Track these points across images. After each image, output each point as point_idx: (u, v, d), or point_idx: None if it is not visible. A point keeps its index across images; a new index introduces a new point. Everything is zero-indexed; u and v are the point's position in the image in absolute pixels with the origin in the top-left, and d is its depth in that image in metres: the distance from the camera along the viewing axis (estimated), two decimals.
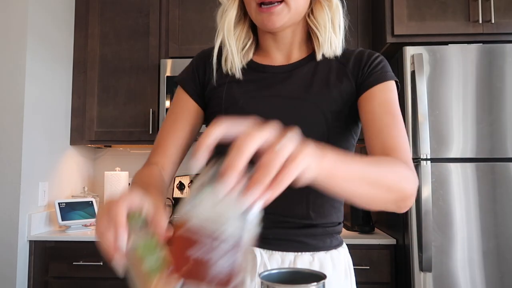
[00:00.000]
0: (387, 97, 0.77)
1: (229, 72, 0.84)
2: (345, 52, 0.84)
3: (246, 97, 0.81)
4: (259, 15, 0.77)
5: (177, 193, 2.48)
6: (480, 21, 1.88)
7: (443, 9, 1.92)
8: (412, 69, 1.72)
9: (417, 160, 1.69)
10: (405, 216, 1.75)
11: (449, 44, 1.76)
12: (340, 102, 0.79)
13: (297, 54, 0.85)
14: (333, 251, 0.80)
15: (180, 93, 0.88)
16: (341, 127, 0.80)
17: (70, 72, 2.30)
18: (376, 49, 2.16)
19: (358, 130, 0.85)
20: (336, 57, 0.83)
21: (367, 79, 0.79)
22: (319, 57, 0.82)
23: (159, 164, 0.82)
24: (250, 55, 0.86)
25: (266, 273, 0.56)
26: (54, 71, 2.14)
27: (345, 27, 0.85)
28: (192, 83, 0.87)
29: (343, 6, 0.84)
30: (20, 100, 1.88)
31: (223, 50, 0.84)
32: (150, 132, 2.22)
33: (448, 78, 1.72)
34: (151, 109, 2.23)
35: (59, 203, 2.03)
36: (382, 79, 0.79)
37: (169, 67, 2.17)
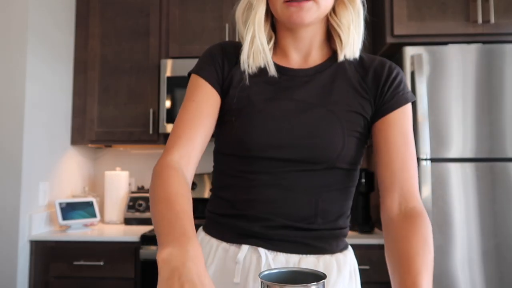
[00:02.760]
0: (406, 124, 0.78)
1: (249, 71, 0.80)
2: (364, 59, 0.82)
3: (262, 98, 0.78)
4: (287, 10, 0.74)
5: None
6: (480, 22, 1.88)
7: (443, 9, 1.93)
8: (412, 70, 1.72)
9: (417, 160, 1.69)
10: None
11: (449, 45, 1.76)
12: (356, 114, 0.78)
13: (316, 55, 0.83)
14: (339, 255, 0.79)
15: (199, 81, 0.81)
16: (356, 137, 0.78)
17: (71, 72, 2.30)
18: (376, 49, 2.16)
19: (367, 140, 0.84)
20: (356, 65, 0.82)
21: (387, 102, 0.78)
22: (341, 58, 0.80)
23: (183, 159, 0.74)
24: (269, 58, 0.82)
25: (266, 273, 0.57)
26: (55, 71, 2.14)
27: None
28: (213, 72, 0.81)
29: (364, 8, 0.82)
30: (20, 100, 1.88)
31: (244, 47, 0.81)
32: (150, 132, 2.22)
33: (448, 78, 1.72)
34: (151, 109, 2.23)
35: (59, 203, 2.03)
36: (403, 102, 0.78)
37: (169, 67, 2.17)
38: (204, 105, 0.78)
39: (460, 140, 1.70)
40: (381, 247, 1.87)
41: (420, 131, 1.66)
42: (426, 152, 1.66)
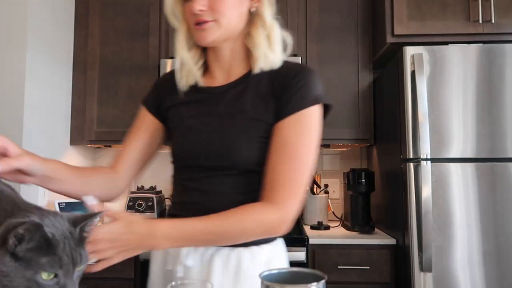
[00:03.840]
0: (298, 130, 0.83)
1: (183, 91, 0.94)
2: (281, 68, 0.89)
3: (190, 116, 0.92)
4: (195, 33, 0.86)
5: None
6: (480, 21, 1.88)
7: (443, 9, 1.92)
8: (412, 69, 1.72)
9: (417, 160, 1.69)
10: (405, 216, 1.75)
11: (449, 44, 1.75)
12: (261, 122, 0.86)
13: (236, 71, 0.92)
14: (253, 247, 0.87)
15: (142, 109, 1.01)
16: (263, 143, 0.85)
17: (70, 72, 2.30)
18: (376, 49, 2.16)
19: None
20: (271, 74, 0.89)
21: (284, 106, 0.85)
22: (256, 71, 0.89)
23: (113, 167, 0.97)
24: (200, 72, 0.94)
25: (266, 273, 0.56)
26: (54, 71, 2.14)
27: (285, 42, 0.92)
28: (151, 100, 1.00)
29: (279, 23, 0.91)
30: (20, 100, 1.88)
31: (176, 70, 0.95)
32: None
33: (448, 78, 1.72)
34: None
35: (59, 203, 2.03)
36: (298, 107, 0.84)
37: (169, 67, 2.17)
38: (138, 129, 0.99)
39: (461, 140, 1.69)
40: (381, 247, 1.86)
41: (420, 131, 1.66)
42: (426, 152, 1.65)
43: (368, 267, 1.84)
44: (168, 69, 2.17)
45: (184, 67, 0.93)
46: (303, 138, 0.83)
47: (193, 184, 0.91)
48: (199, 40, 0.86)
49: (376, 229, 2.11)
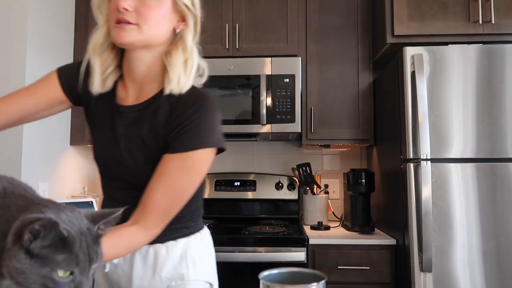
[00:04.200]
0: (182, 167, 0.85)
1: (96, 95, 0.94)
2: (185, 95, 0.89)
3: (100, 126, 0.95)
4: (114, 30, 0.84)
5: None
6: (480, 22, 1.88)
7: (443, 9, 1.92)
8: (412, 69, 1.72)
9: (417, 160, 1.69)
10: (405, 216, 1.75)
11: (449, 45, 1.76)
12: (157, 148, 0.88)
13: (148, 90, 0.92)
14: (170, 242, 0.95)
15: (53, 75, 0.96)
16: (154, 164, 0.87)
17: None
18: (376, 49, 2.16)
19: None
20: (174, 101, 0.88)
21: (172, 142, 0.86)
22: (166, 91, 0.88)
23: None
24: (110, 83, 0.93)
25: (266, 273, 0.56)
26: None
27: (202, 69, 0.95)
28: (68, 75, 0.96)
29: (199, 52, 0.94)
30: None
31: (90, 73, 0.93)
32: None
33: (448, 78, 1.72)
34: None
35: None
36: (184, 148, 0.85)
37: None
38: (41, 87, 0.96)
39: (461, 140, 1.69)
40: (381, 247, 1.86)
41: (420, 131, 1.66)
42: (426, 152, 1.65)
43: (368, 267, 1.84)
44: None
45: (92, 71, 0.91)
46: (185, 175, 0.86)
47: (110, 191, 0.97)
48: (115, 38, 0.84)
49: (376, 229, 2.11)
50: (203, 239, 1.02)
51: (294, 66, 2.13)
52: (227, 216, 2.45)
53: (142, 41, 0.85)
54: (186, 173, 0.85)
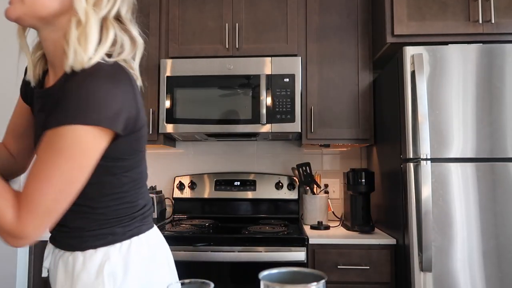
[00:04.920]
0: (49, 148, 0.72)
1: (33, 84, 0.92)
2: (79, 71, 0.79)
3: (34, 112, 0.91)
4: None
5: (177, 193, 2.48)
6: (480, 21, 1.88)
7: (443, 9, 1.92)
8: (412, 69, 1.72)
9: (417, 160, 1.69)
10: (405, 216, 1.75)
11: (449, 44, 1.76)
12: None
13: (59, 71, 0.84)
14: (89, 251, 0.85)
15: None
16: None
17: None
18: (376, 49, 2.16)
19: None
20: (69, 77, 0.79)
21: (48, 118, 0.76)
22: (67, 69, 0.79)
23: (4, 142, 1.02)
24: (39, 71, 0.91)
25: (266, 273, 0.56)
26: None
27: (120, 44, 0.85)
28: (23, 82, 0.98)
29: (127, 23, 0.89)
30: None
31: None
32: (150, 132, 2.22)
33: (448, 78, 1.72)
34: (151, 109, 2.23)
35: None
36: (55, 123, 0.72)
37: (169, 67, 2.17)
38: (15, 111, 1.03)
39: (461, 140, 1.69)
40: (381, 247, 1.87)
41: (420, 131, 1.66)
42: (426, 152, 1.66)
43: (368, 267, 1.84)
44: (168, 69, 2.17)
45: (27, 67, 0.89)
46: (53, 158, 0.72)
47: None
48: (5, 15, 0.80)
49: (376, 229, 2.11)
50: (134, 249, 0.87)
51: (294, 66, 2.13)
52: (227, 216, 2.45)
53: (28, 13, 0.79)
54: (54, 157, 0.72)
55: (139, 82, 0.91)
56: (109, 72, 0.77)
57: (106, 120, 0.73)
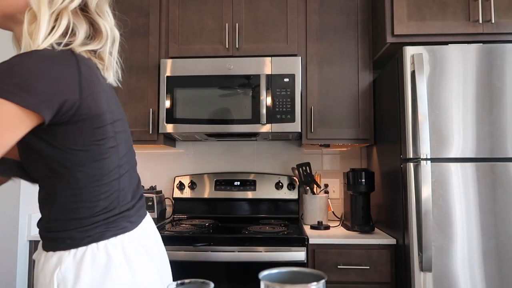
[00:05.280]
0: None
1: None
2: None
3: None
4: None
5: (177, 193, 2.48)
6: (480, 21, 1.88)
7: (443, 9, 1.92)
8: (412, 69, 1.72)
9: (417, 160, 1.69)
10: (405, 216, 1.75)
11: (449, 44, 1.76)
12: None
13: None
14: (49, 253, 0.84)
15: None
16: (32, 146, 0.80)
17: None
18: (376, 49, 2.16)
19: (38, 148, 0.79)
20: None
21: None
22: None
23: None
24: None
25: (266, 273, 0.56)
26: None
27: (70, 31, 0.83)
28: None
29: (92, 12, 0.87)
30: None
31: None
32: (150, 132, 2.22)
33: (448, 78, 1.72)
34: (151, 109, 2.23)
35: None
36: None
37: (169, 67, 2.17)
38: None
39: (461, 140, 1.69)
40: (381, 247, 1.87)
41: (420, 131, 1.66)
42: (426, 152, 1.66)
43: (368, 267, 1.84)
44: (168, 69, 2.17)
45: None
46: None
47: None
48: None
49: (376, 229, 2.11)
50: (88, 257, 0.80)
51: (294, 65, 2.13)
52: (227, 215, 2.45)
53: None
54: None
55: (108, 74, 0.90)
56: (46, 53, 0.74)
57: (30, 98, 0.69)
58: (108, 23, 0.91)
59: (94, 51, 0.87)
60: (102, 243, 0.82)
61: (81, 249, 0.81)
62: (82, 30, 0.83)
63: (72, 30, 0.82)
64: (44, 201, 0.85)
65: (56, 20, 0.80)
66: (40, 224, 0.88)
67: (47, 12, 0.79)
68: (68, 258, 0.80)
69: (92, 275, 0.79)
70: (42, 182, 0.84)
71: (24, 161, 0.84)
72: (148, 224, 0.96)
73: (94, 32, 0.88)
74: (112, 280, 0.80)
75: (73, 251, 0.81)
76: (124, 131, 0.91)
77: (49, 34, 0.78)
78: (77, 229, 0.82)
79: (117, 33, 0.93)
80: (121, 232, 0.85)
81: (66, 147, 0.78)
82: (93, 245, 0.81)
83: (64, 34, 0.80)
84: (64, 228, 0.82)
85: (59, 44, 0.78)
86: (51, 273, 0.80)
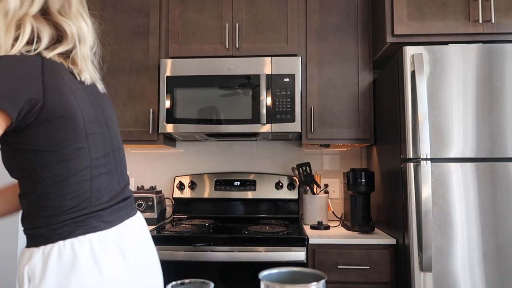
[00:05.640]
0: None
1: None
2: None
3: None
4: None
5: (177, 193, 2.48)
6: (480, 21, 1.88)
7: (443, 9, 1.93)
8: (412, 69, 1.72)
9: (417, 160, 1.69)
10: (405, 216, 1.75)
11: (449, 44, 1.76)
12: None
13: None
14: (25, 248, 0.87)
15: None
16: (13, 145, 0.83)
17: None
18: (376, 49, 2.16)
19: (23, 147, 0.83)
20: None
21: None
22: None
23: None
24: None
25: (266, 273, 0.56)
26: None
27: (39, 34, 0.85)
28: None
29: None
30: None
31: None
32: (150, 132, 2.22)
33: (448, 78, 1.72)
34: (151, 109, 2.23)
35: None
36: None
37: (169, 67, 2.17)
38: None
39: (461, 140, 1.69)
40: (381, 247, 1.87)
41: (420, 131, 1.66)
42: (426, 152, 1.66)
43: (368, 267, 1.84)
44: (168, 69, 2.17)
45: None
46: None
47: None
48: None
49: (376, 229, 2.11)
50: (54, 254, 0.82)
51: (294, 65, 2.13)
52: (227, 216, 2.45)
53: None
54: None
55: (84, 77, 0.91)
56: (12, 56, 0.77)
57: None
58: (75, 24, 0.91)
59: (68, 56, 0.89)
60: (69, 241, 0.83)
61: (49, 246, 0.83)
62: (46, 34, 0.85)
63: (38, 35, 0.85)
64: (20, 200, 0.88)
65: (19, 28, 0.83)
66: (21, 221, 0.91)
67: (3, 22, 0.82)
68: (38, 254, 0.83)
69: (58, 271, 0.81)
70: (19, 181, 0.87)
71: (3, 162, 0.88)
72: (132, 226, 0.96)
73: (61, 34, 0.89)
74: (77, 277, 0.81)
75: (42, 247, 0.83)
76: (102, 133, 0.92)
77: (15, 42, 0.81)
78: (46, 227, 0.84)
79: (86, 33, 0.93)
80: (91, 231, 0.86)
81: (33, 149, 0.82)
82: (60, 242, 0.83)
83: (31, 41, 0.83)
84: (36, 226, 0.85)
85: (28, 51, 0.82)
86: (23, 268, 0.83)
